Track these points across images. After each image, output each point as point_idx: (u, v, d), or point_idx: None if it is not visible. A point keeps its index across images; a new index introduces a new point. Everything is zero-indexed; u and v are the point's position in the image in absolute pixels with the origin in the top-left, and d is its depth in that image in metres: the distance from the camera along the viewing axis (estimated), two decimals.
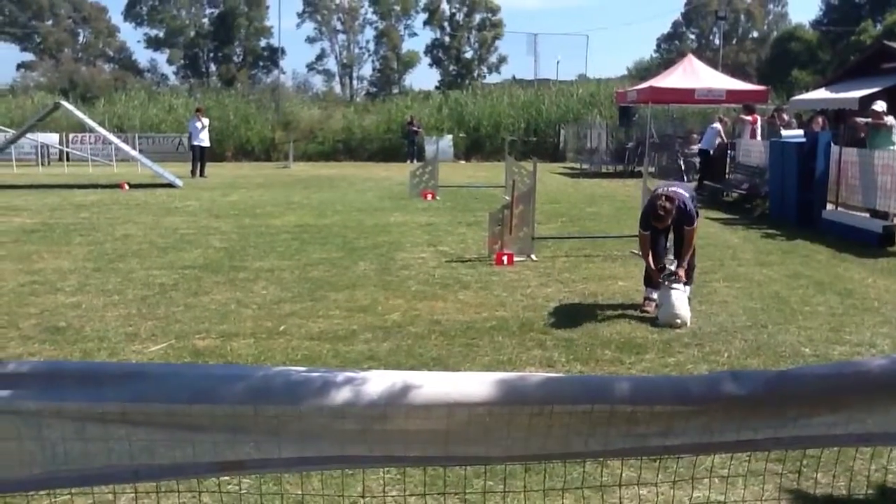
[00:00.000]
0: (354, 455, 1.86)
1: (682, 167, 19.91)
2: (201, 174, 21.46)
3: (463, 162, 30.24)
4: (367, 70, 72.73)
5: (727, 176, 16.64)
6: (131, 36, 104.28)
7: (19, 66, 66.72)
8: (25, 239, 10.47)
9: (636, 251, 9.50)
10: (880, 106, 12.28)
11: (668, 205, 6.54)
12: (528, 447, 1.90)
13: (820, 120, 15.51)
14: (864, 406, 2.13)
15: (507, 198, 11.49)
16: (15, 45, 69.25)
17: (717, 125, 17.62)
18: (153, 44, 70.10)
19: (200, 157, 21.98)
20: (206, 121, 22.54)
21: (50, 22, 69.59)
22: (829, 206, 11.97)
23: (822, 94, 22.86)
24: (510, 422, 1.83)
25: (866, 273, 8.47)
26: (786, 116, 16.93)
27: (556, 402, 1.82)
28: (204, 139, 22.09)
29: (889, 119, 12.13)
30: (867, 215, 11.26)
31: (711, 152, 17.22)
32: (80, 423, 1.75)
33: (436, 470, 3.31)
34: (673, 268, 6.75)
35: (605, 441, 1.90)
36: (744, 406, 1.97)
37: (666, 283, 6.50)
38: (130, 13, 69.67)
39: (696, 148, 18.78)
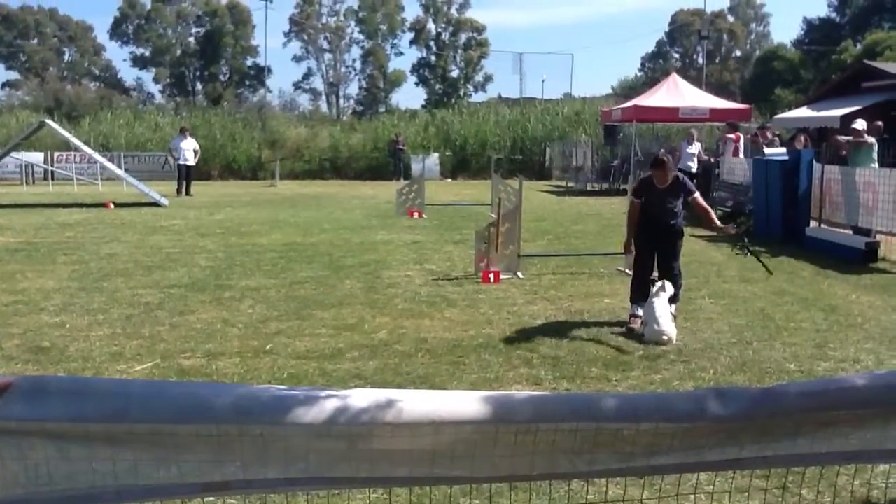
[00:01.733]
0: (340, 476, 1.85)
1: None
2: (187, 193, 21.42)
3: (449, 180, 30.31)
4: (353, 89, 72.96)
5: (712, 193, 16.75)
6: (117, 55, 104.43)
7: (4, 85, 66.58)
8: (9, 258, 10.40)
9: (622, 268, 9.54)
10: (860, 124, 12.43)
11: (668, 158, 6.98)
12: (514, 467, 1.89)
13: (802, 138, 15.68)
14: (848, 422, 2.14)
15: (493, 215, 11.51)
16: (0, 64, 69.11)
17: (685, 143, 17.82)
18: (139, 62, 70.02)
19: (186, 175, 21.97)
20: (192, 140, 22.54)
21: (35, 41, 69.42)
22: (813, 223, 12.08)
23: (804, 112, 23.14)
24: (496, 440, 1.83)
25: (850, 289, 8.54)
26: (769, 134, 17.09)
27: (543, 421, 1.83)
28: (189, 158, 22.07)
29: (870, 137, 12.29)
30: (850, 232, 11.37)
31: (694, 169, 17.35)
32: (64, 442, 1.73)
33: (422, 489, 3.30)
34: (660, 283, 6.79)
35: (591, 460, 1.90)
36: (729, 424, 1.98)
37: (656, 291, 6.60)
38: (116, 32, 69.61)
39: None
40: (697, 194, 7.15)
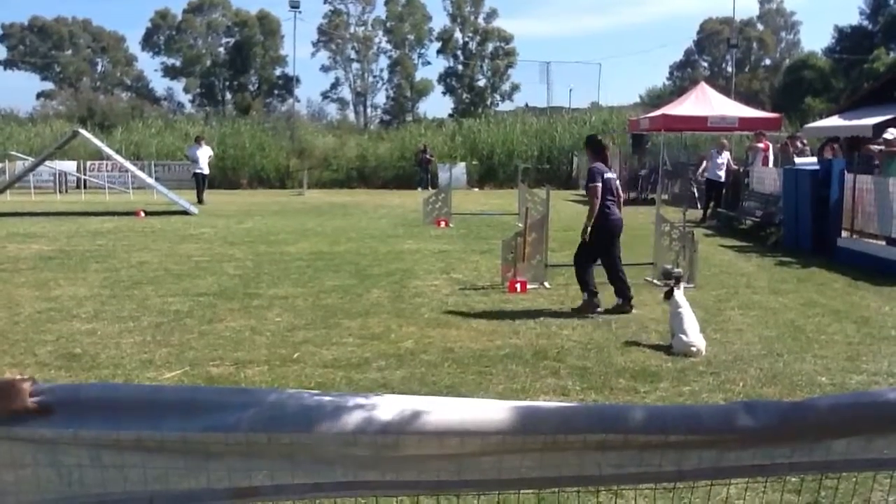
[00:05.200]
0: (367, 481, 1.86)
1: (696, 194, 19.89)
2: (199, 201, 21.57)
3: (476, 189, 30.31)
4: (380, 98, 73.33)
5: (741, 203, 16.61)
6: (148, 65, 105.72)
7: (39, 95, 67.78)
8: (42, 266, 10.57)
9: (650, 279, 9.48)
10: (891, 133, 12.25)
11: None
12: (541, 475, 1.89)
13: (832, 147, 15.49)
14: (881, 436, 2.11)
15: (520, 225, 11.52)
16: (35, 75, 70.48)
17: (715, 152, 17.65)
18: (170, 73, 71.01)
19: (203, 183, 22.43)
20: (208, 149, 22.90)
21: (69, 52, 70.71)
22: (845, 234, 11.91)
23: (835, 121, 22.83)
24: (523, 450, 1.83)
25: (883, 301, 8.40)
26: (799, 144, 16.91)
27: (570, 432, 1.82)
28: (204, 167, 22.43)
29: None
30: (883, 243, 11.19)
31: (723, 179, 17.22)
32: (97, 450, 1.76)
33: (448, 500, 3.30)
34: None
35: (619, 471, 1.89)
36: (758, 437, 1.96)
37: (674, 285, 6.64)
38: (148, 42, 70.70)
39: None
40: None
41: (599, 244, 7.86)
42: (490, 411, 1.83)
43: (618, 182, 8.17)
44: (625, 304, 7.80)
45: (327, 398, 1.83)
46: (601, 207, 7.77)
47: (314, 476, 1.84)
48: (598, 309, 7.69)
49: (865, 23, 56.96)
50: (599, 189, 7.76)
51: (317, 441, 1.77)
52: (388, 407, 1.79)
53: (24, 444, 1.77)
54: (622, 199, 8.18)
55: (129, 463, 1.79)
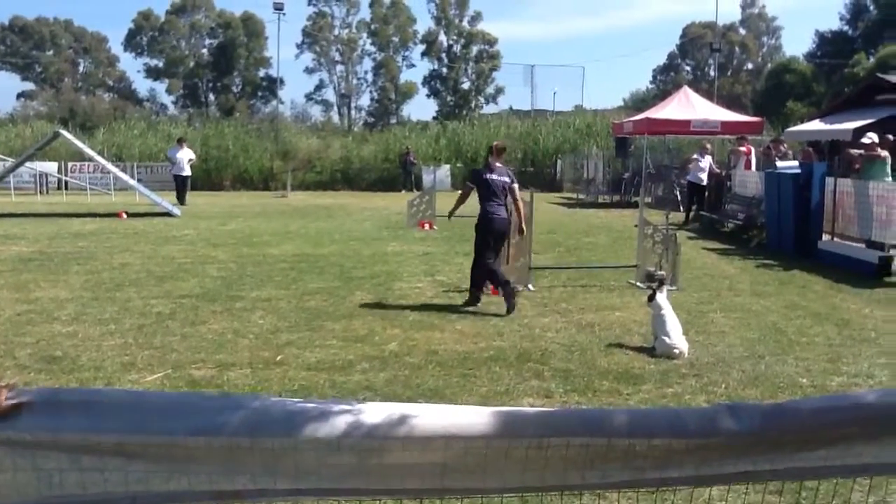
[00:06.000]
0: (350, 488, 1.85)
1: (679, 197, 20.01)
2: (181, 202, 21.51)
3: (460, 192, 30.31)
4: (365, 100, 73.21)
5: (724, 206, 16.72)
6: (131, 66, 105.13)
7: (20, 96, 67.22)
8: (22, 267, 10.47)
9: (633, 281, 9.52)
10: (869, 138, 12.39)
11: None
12: (525, 481, 1.89)
13: (805, 151, 15.62)
14: (861, 438, 2.12)
15: None
16: (16, 75, 69.80)
17: (697, 156, 17.78)
18: (153, 74, 70.55)
19: (182, 185, 22.39)
20: (189, 151, 22.87)
21: (51, 52, 70.14)
22: (826, 237, 12.02)
23: (816, 125, 23.03)
24: (507, 455, 1.83)
25: (863, 304, 8.48)
26: (782, 147, 17.04)
27: (553, 435, 1.82)
28: (184, 168, 22.45)
29: (883, 151, 12.24)
30: (863, 246, 11.30)
31: (705, 182, 17.34)
32: (77, 454, 1.74)
33: (432, 503, 3.29)
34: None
35: (603, 474, 1.90)
36: (741, 439, 1.97)
37: (656, 288, 6.68)
38: (130, 43, 70.21)
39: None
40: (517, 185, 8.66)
41: (478, 239, 8.36)
42: (473, 416, 1.83)
43: (506, 181, 8.36)
44: (470, 299, 8.31)
45: (311, 404, 1.82)
46: (482, 206, 8.30)
47: (297, 482, 1.83)
48: (478, 303, 8.27)
49: (846, 28, 57.52)
50: (468, 189, 8.73)
51: (300, 446, 1.76)
52: (371, 412, 1.79)
53: (2, 448, 1.75)
54: (515, 199, 8.46)
55: (110, 466, 1.78)
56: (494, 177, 8.34)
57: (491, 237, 8.28)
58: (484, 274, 8.31)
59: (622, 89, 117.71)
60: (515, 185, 8.47)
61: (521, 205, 8.52)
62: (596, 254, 12.42)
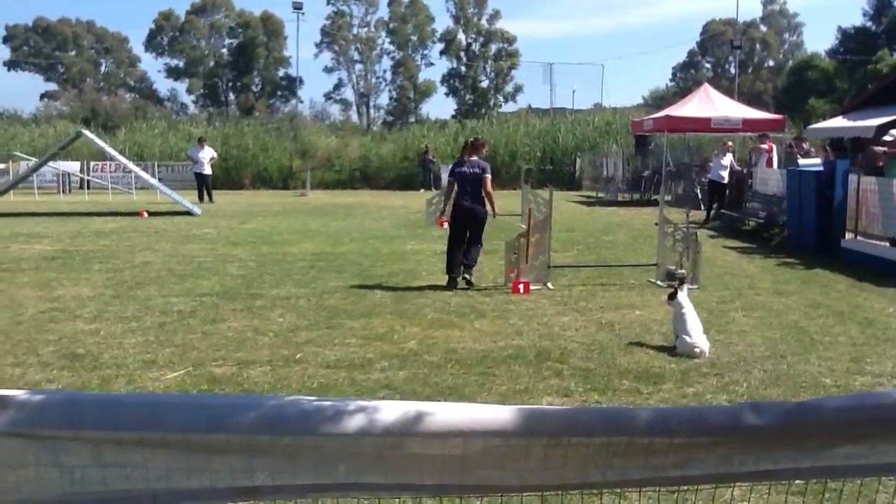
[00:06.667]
0: (370, 483, 1.85)
1: (699, 195, 19.87)
2: (210, 200, 22.20)
3: None
4: (383, 99, 73.37)
5: (745, 204, 16.59)
6: (152, 66, 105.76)
7: (43, 96, 67.92)
8: (45, 266, 10.58)
9: (653, 280, 9.47)
10: (893, 136, 12.23)
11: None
12: (544, 479, 1.88)
13: (824, 149, 15.47)
14: (885, 437, 2.10)
15: (523, 226, 11.51)
16: (39, 75, 70.63)
17: (718, 153, 17.62)
18: (173, 73, 71.11)
19: (204, 183, 22.78)
20: (210, 150, 23.18)
21: (73, 52, 70.86)
22: (849, 235, 11.88)
23: (839, 122, 22.77)
24: (527, 453, 1.82)
25: (887, 303, 8.38)
26: (805, 145, 16.88)
27: (574, 434, 1.81)
28: (205, 167, 22.82)
29: None
30: (887, 244, 11.16)
31: (726, 180, 17.19)
32: (98, 448, 1.76)
33: (451, 501, 3.29)
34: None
35: (623, 473, 1.89)
36: (763, 438, 1.95)
37: (676, 287, 6.63)
38: (151, 43, 70.81)
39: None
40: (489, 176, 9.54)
41: (450, 227, 9.52)
42: (493, 413, 1.82)
43: (477, 172, 9.22)
44: (448, 283, 9.11)
45: (329, 402, 1.83)
46: (455, 197, 9.38)
47: (316, 477, 1.83)
48: (455, 286, 9.07)
49: (869, 24, 56.83)
50: (450, 183, 9.52)
51: (319, 442, 1.76)
52: (390, 409, 1.79)
53: (24, 442, 1.77)
54: (485, 188, 9.27)
55: (132, 463, 1.79)
56: (465, 170, 9.29)
57: (456, 223, 9.34)
58: (451, 259, 9.19)
59: (642, 87, 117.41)
60: (487, 176, 9.31)
61: (490, 191, 9.34)
62: (615, 252, 12.35)
